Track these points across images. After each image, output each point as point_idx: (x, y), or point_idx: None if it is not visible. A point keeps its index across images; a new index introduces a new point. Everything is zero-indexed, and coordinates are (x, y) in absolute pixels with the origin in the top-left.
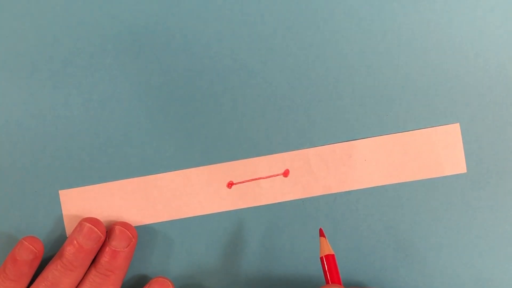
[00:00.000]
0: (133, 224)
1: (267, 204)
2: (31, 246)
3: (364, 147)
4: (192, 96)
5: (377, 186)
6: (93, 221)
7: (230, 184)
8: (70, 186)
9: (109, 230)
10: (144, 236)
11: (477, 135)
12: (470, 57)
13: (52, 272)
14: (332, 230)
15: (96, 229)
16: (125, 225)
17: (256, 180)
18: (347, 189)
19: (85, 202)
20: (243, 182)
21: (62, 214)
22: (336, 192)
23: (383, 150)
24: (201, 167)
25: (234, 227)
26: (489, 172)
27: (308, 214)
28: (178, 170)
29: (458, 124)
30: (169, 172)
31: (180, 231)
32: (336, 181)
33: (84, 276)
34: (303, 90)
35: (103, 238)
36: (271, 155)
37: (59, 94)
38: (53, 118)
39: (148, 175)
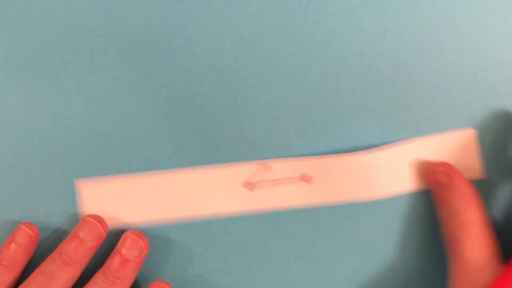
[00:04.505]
0: (147, 221)
1: (285, 209)
2: (28, 230)
3: (385, 155)
4: (192, 96)
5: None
6: (96, 217)
7: (247, 184)
8: (70, 187)
9: (121, 237)
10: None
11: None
12: (470, 57)
13: (49, 265)
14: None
15: (99, 225)
16: (138, 234)
17: (274, 182)
18: (367, 198)
19: (103, 194)
20: (261, 183)
21: (61, 212)
22: (356, 200)
23: (404, 159)
24: (220, 165)
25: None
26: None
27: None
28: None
29: (473, 130)
30: (187, 168)
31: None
32: (356, 189)
33: (91, 280)
34: (303, 90)
35: (104, 235)
36: (289, 158)
37: (59, 94)
38: (53, 118)
39: (147, 175)
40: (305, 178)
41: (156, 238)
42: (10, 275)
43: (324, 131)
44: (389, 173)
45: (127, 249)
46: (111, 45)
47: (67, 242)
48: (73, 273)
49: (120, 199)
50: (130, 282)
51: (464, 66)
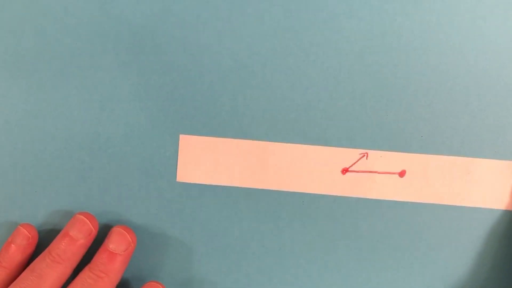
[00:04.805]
0: (241, 185)
1: (378, 200)
2: (25, 231)
3: (483, 166)
4: (192, 97)
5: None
6: (87, 215)
7: (344, 170)
8: (70, 187)
9: (109, 232)
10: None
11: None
12: (470, 57)
13: (39, 264)
14: (331, 231)
15: (89, 223)
16: (125, 228)
17: (372, 173)
18: (459, 204)
19: (202, 151)
20: (358, 171)
21: (60, 213)
22: (447, 204)
23: (504, 173)
24: (320, 147)
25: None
26: None
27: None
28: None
29: None
30: (288, 144)
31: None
32: (449, 193)
33: (77, 276)
34: (303, 90)
35: (94, 232)
36: (390, 152)
37: (59, 94)
38: (53, 118)
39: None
40: (401, 173)
41: (155, 238)
42: (9, 276)
43: (324, 131)
44: (484, 183)
45: (114, 243)
46: (111, 45)
47: (57, 240)
48: (62, 270)
49: (216, 159)
50: (117, 276)
51: (464, 66)
